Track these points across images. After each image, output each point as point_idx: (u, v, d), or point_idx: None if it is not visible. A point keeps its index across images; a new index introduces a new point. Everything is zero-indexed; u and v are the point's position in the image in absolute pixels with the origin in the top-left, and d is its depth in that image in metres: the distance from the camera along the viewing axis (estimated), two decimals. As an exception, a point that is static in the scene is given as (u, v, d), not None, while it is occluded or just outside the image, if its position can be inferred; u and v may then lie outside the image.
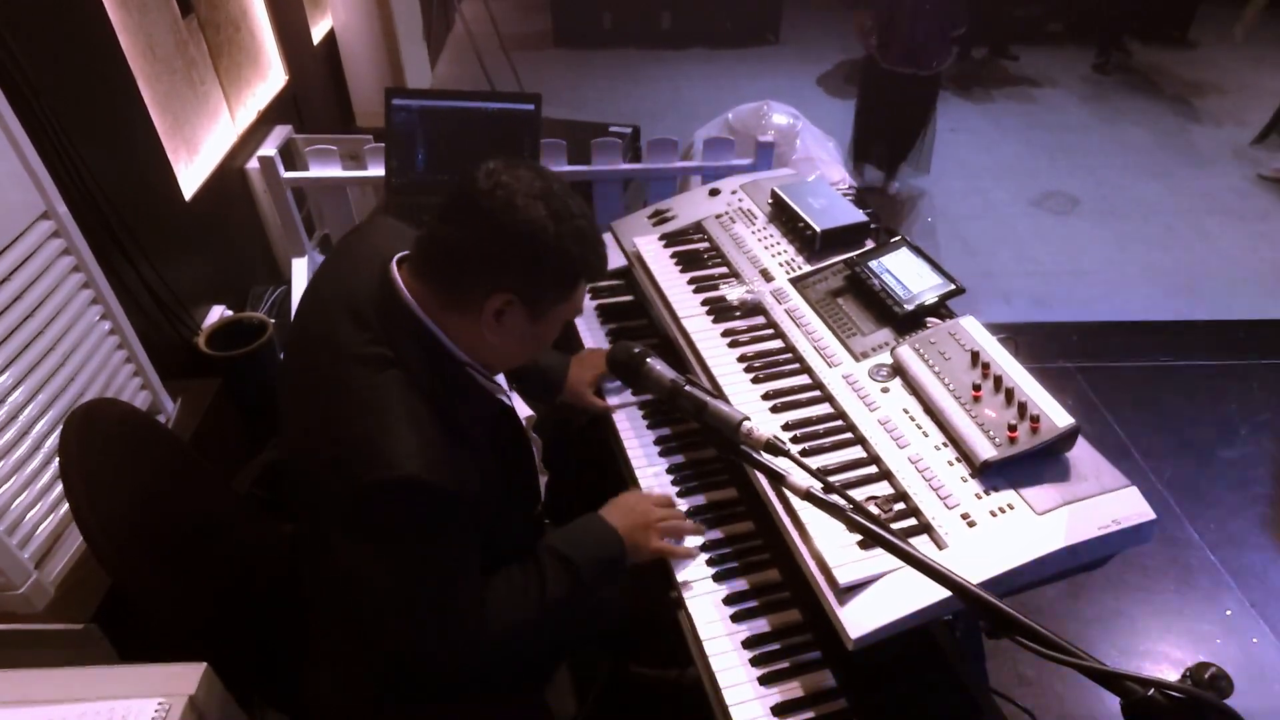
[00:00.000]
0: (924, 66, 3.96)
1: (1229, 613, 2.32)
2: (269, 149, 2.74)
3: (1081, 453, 1.18)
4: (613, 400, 1.62)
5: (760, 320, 1.55)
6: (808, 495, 1.01)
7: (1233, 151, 5.04)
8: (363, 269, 1.14)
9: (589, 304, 1.88)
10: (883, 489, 1.20)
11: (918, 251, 1.54)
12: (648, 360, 1.20)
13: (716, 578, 1.28)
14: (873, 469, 1.24)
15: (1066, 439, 1.16)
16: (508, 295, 1.05)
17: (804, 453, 1.27)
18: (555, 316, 1.13)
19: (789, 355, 1.47)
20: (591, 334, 1.81)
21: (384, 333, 1.07)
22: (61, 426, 1.22)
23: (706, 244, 1.76)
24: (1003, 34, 6.38)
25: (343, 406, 1.05)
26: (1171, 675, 0.75)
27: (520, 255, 1.04)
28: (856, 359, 1.41)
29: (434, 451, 1.01)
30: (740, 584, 1.28)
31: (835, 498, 1.00)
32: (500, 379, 1.27)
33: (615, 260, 1.97)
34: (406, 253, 1.13)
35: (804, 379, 1.41)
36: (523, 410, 1.40)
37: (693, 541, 1.34)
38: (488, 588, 1.17)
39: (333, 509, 1.08)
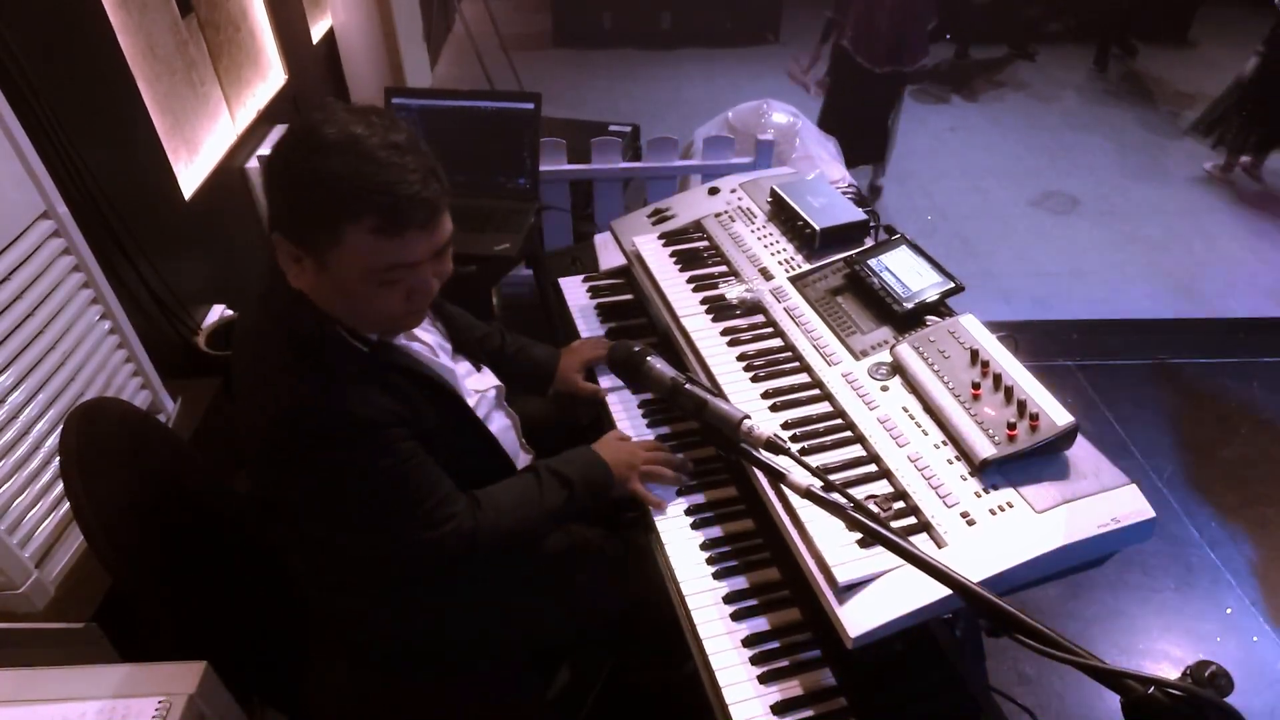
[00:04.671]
0: (881, 64, 3.91)
1: (1229, 611, 2.32)
2: (269, 148, 2.74)
3: (1081, 451, 1.18)
4: (604, 383, 1.63)
5: (760, 319, 1.55)
6: (807, 493, 1.01)
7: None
8: None
9: (588, 302, 1.88)
10: (882, 487, 1.20)
11: (917, 250, 1.54)
12: (648, 359, 1.20)
13: (716, 576, 1.28)
14: (872, 467, 1.23)
15: (1066, 437, 1.16)
16: (283, 240, 1.05)
17: (803, 451, 1.27)
18: (343, 265, 1.03)
19: (788, 354, 1.47)
20: (591, 333, 1.80)
21: (270, 291, 1.13)
22: (62, 426, 1.22)
23: (706, 243, 1.76)
24: (1020, 34, 6.40)
25: (244, 377, 1.14)
26: (1172, 673, 0.75)
27: (272, 193, 1.05)
28: (856, 357, 1.41)
29: (311, 387, 1.06)
30: (740, 582, 1.28)
31: (835, 496, 1.00)
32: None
33: (615, 259, 1.98)
34: None
35: (803, 377, 1.41)
36: (490, 381, 1.44)
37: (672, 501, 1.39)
38: (493, 490, 1.26)
39: (264, 473, 1.14)
